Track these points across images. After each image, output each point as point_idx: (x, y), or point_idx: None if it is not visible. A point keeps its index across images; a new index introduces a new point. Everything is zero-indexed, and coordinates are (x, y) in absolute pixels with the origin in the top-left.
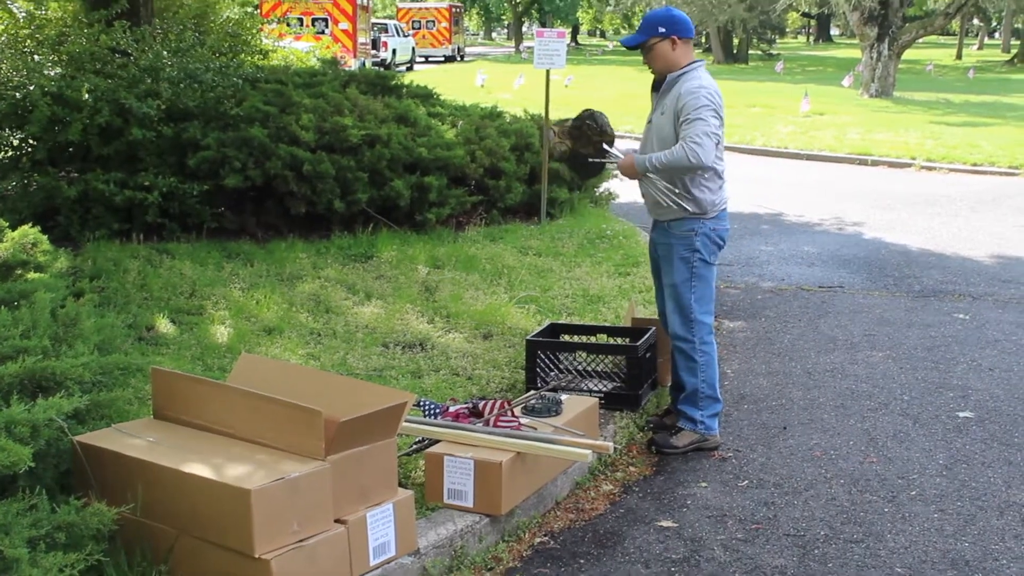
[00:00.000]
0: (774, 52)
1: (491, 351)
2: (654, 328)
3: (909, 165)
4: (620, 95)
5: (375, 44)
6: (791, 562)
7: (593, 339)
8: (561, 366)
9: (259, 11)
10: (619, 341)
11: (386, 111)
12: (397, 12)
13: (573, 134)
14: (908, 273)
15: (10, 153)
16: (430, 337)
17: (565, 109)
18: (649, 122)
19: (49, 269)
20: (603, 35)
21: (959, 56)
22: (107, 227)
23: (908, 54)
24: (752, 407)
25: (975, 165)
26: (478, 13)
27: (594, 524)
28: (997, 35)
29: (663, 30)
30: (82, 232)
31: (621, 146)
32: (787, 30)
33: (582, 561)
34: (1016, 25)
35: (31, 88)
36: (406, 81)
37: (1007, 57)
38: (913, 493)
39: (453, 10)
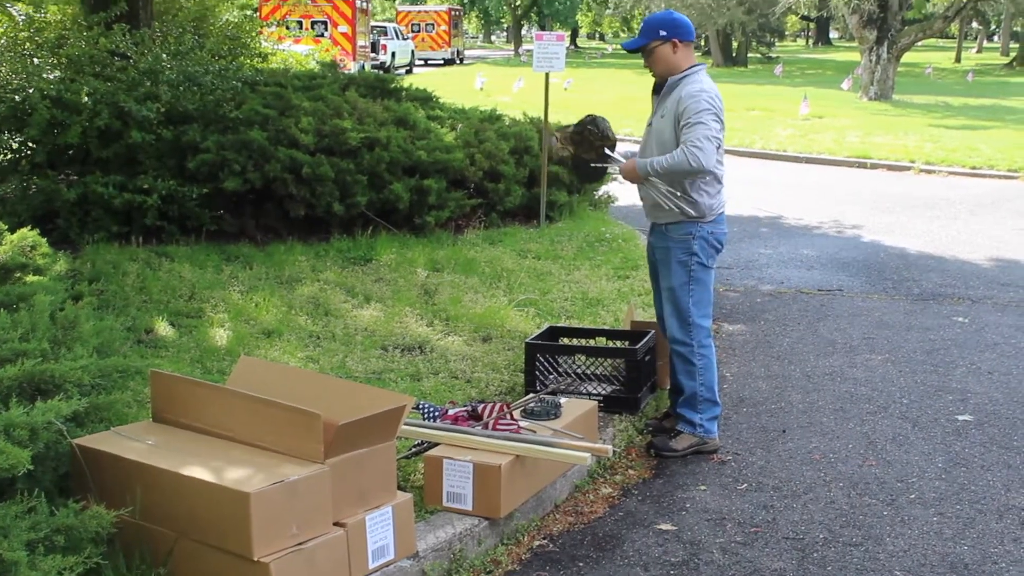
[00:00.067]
0: (773, 55)
1: (490, 354)
2: (653, 331)
3: (908, 168)
4: (619, 98)
5: (374, 47)
6: (790, 565)
7: (592, 342)
8: (560, 369)
9: (258, 14)
10: (618, 344)
11: (385, 114)
12: (396, 15)
13: (575, 139)
14: (907, 276)
15: (9, 156)
16: (429, 340)
17: (564, 112)
18: (649, 125)
19: (48, 272)
20: (602, 38)
21: (958, 59)
22: (106, 230)
23: (907, 57)
24: (751, 410)
25: (974, 168)
26: (477, 16)
27: (593, 527)
28: (996, 38)
29: (664, 33)
30: (81, 235)
31: (621, 149)
32: (786, 33)
33: (581, 564)
34: (1015, 28)
35: (30, 91)
36: (405, 84)
37: (1006, 60)
38: (912, 496)
39: (452, 13)
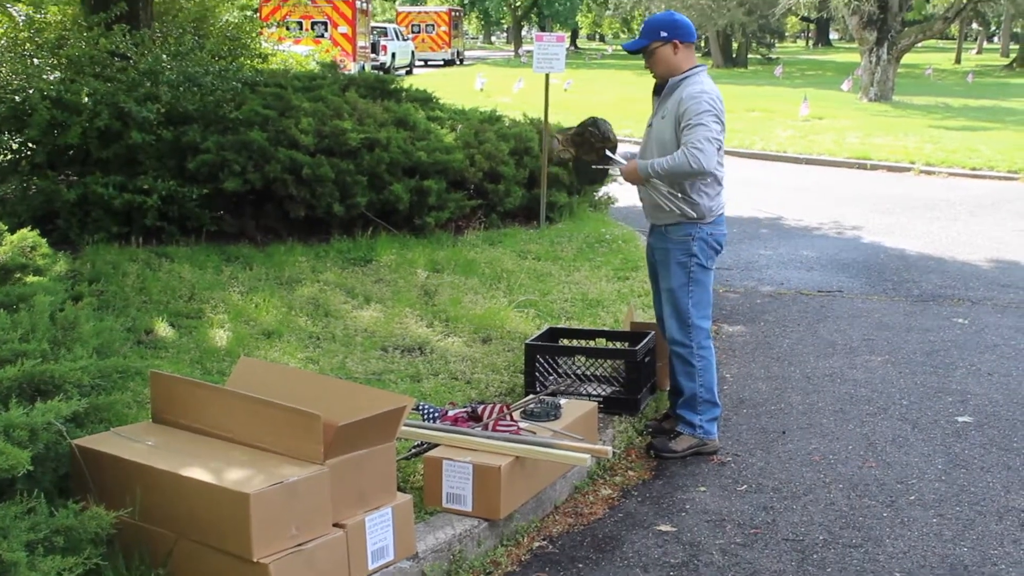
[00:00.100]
0: (773, 56)
1: (490, 355)
2: (653, 332)
3: (908, 169)
4: (619, 99)
5: (374, 48)
6: (790, 567)
7: (592, 343)
8: (560, 370)
9: (258, 15)
10: (618, 345)
11: (385, 115)
12: (396, 16)
13: (576, 141)
14: (907, 277)
15: (9, 157)
16: (429, 341)
17: (564, 113)
18: (649, 126)
19: (48, 272)
20: (602, 39)
21: (958, 60)
22: (106, 230)
23: (907, 58)
24: (751, 411)
25: (974, 169)
26: (477, 17)
27: (593, 528)
28: (996, 39)
29: (665, 34)
30: (81, 235)
31: (622, 150)
32: (786, 34)
33: (581, 566)
34: (1015, 29)
35: (30, 92)
36: (405, 85)
37: (1006, 61)
38: (912, 498)
39: (452, 14)
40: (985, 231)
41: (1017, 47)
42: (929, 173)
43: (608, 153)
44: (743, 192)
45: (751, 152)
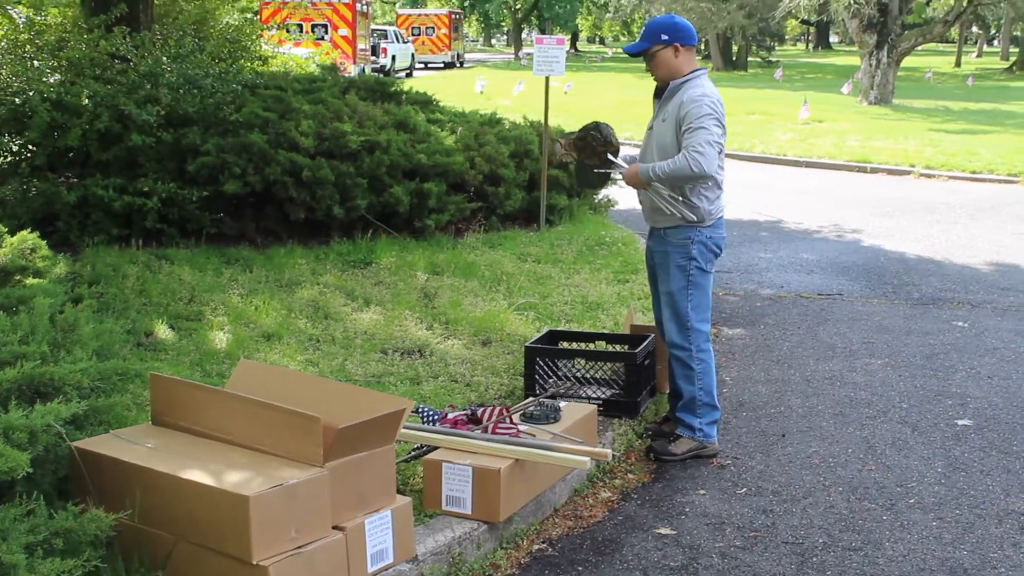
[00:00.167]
0: (773, 59)
1: (490, 358)
2: (652, 335)
3: (908, 172)
4: (620, 102)
5: (374, 50)
6: (789, 570)
7: (592, 346)
8: (560, 373)
9: (258, 17)
10: (617, 348)
11: (385, 117)
12: (397, 18)
13: (578, 145)
14: (907, 280)
15: (9, 159)
16: (429, 343)
17: (565, 116)
18: (650, 128)
19: (48, 275)
20: (602, 42)
21: (958, 64)
22: (106, 233)
23: (907, 61)
24: (751, 414)
25: (974, 173)
26: (478, 20)
27: (592, 531)
28: (996, 43)
29: (666, 37)
30: (81, 238)
31: (623, 153)
32: (786, 37)
33: (580, 568)
34: (1015, 33)
35: (31, 94)
36: (405, 87)
37: (1006, 65)
38: (912, 501)
39: (453, 16)
40: (985, 234)
41: (1017, 50)
42: (929, 176)
43: (610, 157)
44: (743, 195)
45: (751, 155)
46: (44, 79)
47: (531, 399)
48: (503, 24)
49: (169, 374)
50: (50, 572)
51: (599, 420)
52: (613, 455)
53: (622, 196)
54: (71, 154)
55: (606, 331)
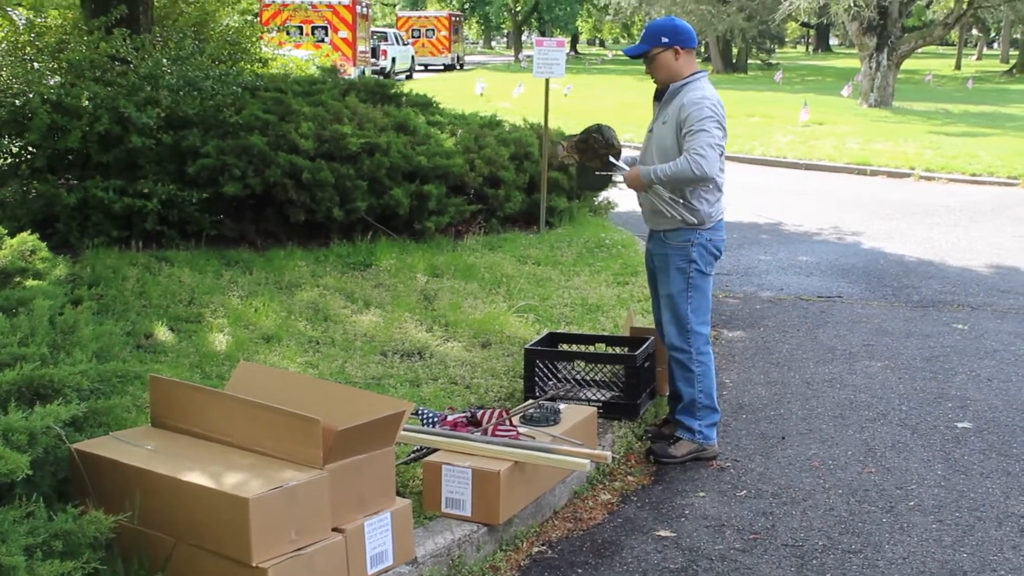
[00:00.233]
0: (773, 62)
1: (489, 360)
2: (652, 338)
3: (908, 175)
4: (620, 104)
5: (374, 52)
6: (789, 572)
7: (591, 348)
8: (559, 375)
9: (259, 19)
10: (617, 350)
11: (385, 119)
12: (396, 21)
13: (580, 147)
14: (907, 283)
15: (9, 160)
16: (428, 346)
17: (565, 118)
18: (650, 131)
19: (48, 276)
20: (602, 44)
21: (958, 66)
22: (106, 234)
23: (907, 64)
24: (750, 417)
25: (974, 175)
26: (478, 22)
27: (592, 534)
28: (996, 45)
29: (666, 40)
30: (81, 239)
31: (624, 155)
32: (786, 40)
33: (580, 571)
34: (1015, 35)
35: (31, 96)
36: (405, 90)
37: (1006, 67)
38: (911, 503)
39: (453, 19)
40: (985, 237)
41: (1017, 53)
42: (929, 179)
43: (612, 159)
44: (743, 197)
45: (751, 157)
46: (44, 81)
47: (531, 401)
48: (503, 26)
49: (169, 376)
50: (49, 574)
51: (599, 422)
52: (613, 457)
53: (622, 198)
54: (71, 156)
55: (606, 333)
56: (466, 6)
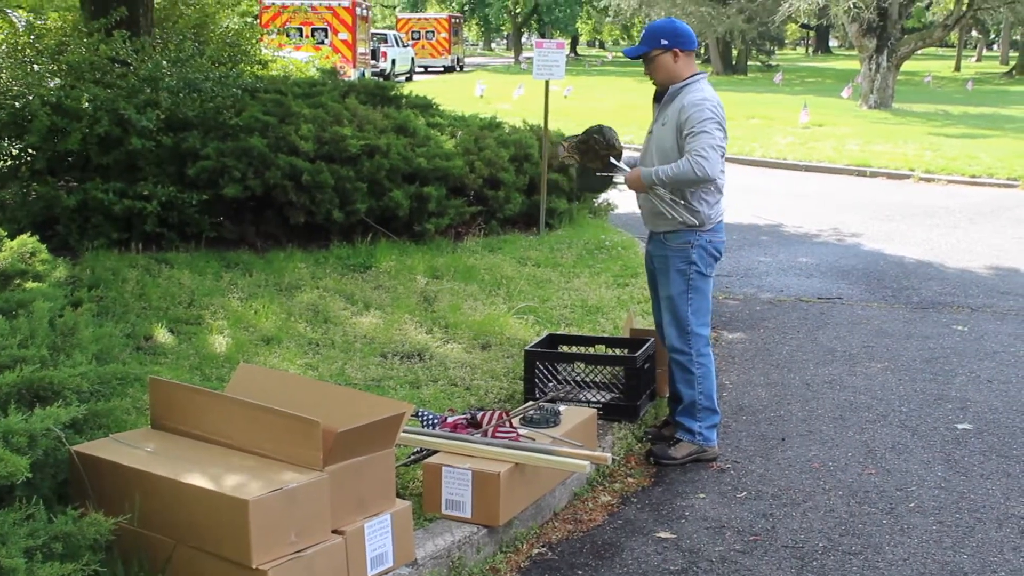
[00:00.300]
0: (773, 63)
1: (489, 362)
2: (652, 339)
3: (908, 176)
4: (619, 106)
5: (374, 54)
6: (789, 574)
7: (591, 350)
8: (559, 377)
9: (258, 21)
10: (617, 352)
11: (385, 121)
12: (396, 22)
13: (580, 148)
14: (907, 285)
15: (9, 162)
16: (428, 347)
17: (564, 120)
18: (650, 133)
19: (47, 278)
20: (602, 46)
21: (958, 68)
22: (106, 236)
23: (907, 66)
24: (751, 418)
25: (974, 177)
26: (477, 24)
27: (592, 535)
28: (995, 47)
29: (666, 42)
30: (81, 241)
31: (625, 157)
32: (786, 41)
33: (580, 572)
34: (1014, 37)
35: (31, 98)
36: (405, 91)
37: (1005, 69)
38: (912, 505)
39: (452, 21)
40: (984, 238)
41: (1016, 55)
42: (929, 180)
43: (612, 160)
44: (743, 199)
45: (751, 159)
46: (44, 83)
47: (531, 403)
48: (503, 28)
49: (168, 378)
50: None
51: (599, 424)
52: (613, 459)
53: (622, 200)
54: (71, 158)
55: (606, 335)
56: (466, 8)
